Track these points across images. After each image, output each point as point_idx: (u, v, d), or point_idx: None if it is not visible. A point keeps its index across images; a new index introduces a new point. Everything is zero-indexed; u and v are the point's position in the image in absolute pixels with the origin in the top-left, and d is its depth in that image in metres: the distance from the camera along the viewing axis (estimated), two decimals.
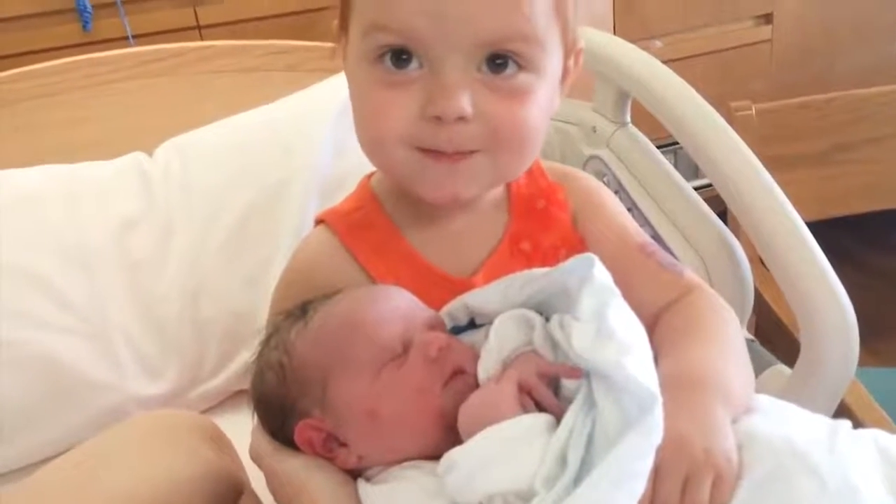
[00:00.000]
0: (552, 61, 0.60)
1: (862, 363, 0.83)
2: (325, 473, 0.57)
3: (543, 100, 0.60)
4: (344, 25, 0.62)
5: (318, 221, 0.70)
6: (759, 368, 0.79)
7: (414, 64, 0.57)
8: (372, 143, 0.61)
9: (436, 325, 0.60)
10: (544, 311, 0.58)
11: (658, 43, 1.81)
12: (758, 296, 0.96)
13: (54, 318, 0.94)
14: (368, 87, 0.59)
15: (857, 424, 0.55)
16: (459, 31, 0.55)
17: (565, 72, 0.63)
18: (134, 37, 1.53)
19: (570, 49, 0.62)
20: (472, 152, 0.59)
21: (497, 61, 0.57)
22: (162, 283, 0.99)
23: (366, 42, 0.58)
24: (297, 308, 0.63)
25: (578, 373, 0.51)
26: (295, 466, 0.58)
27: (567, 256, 0.61)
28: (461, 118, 0.57)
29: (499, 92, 0.58)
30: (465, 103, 0.56)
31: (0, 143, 1.12)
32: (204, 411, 0.98)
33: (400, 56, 0.57)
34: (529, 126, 0.59)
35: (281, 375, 0.60)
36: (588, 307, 0.52)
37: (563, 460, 0.47)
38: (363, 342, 0.57)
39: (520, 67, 0.58)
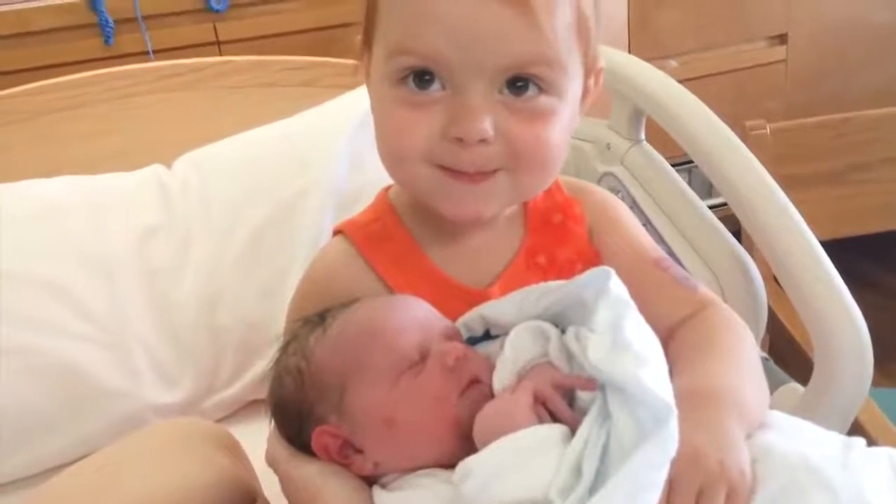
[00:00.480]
0: (573, 83, 0.61)
1: (875, 384, 0.83)
2: (340, 480, 0.58)
3: (565, 120, 0.61)
4: (367, 42, 0.63)
5: (336, 232, 0.71)
6: (772, 386, 0.79)
7: (436, 85, 0.58)
8: (393, 160, 0.62)
9: (452, 336, 0.61)
10: (560, 323, 0.58)
11: (673, 62, 1.82)
12: (771, 314, 0.96)
13: (74, 327, 0.95)
14: (391, 105, 0.60)
15: (872, 443, 0.55)
16: (483, 56, 0.56)
17: (585, 91, 0.64)
18: (154, 52, 1.55)
19: (590, 69, 0.63)
20: (493, 171, 0.60)
21: (518, 84, 0.58)
22: (179, 292, 1.00)
23: (390, 63, 0.59)
24: (315, 315, 0.63)
25: (593, 384, 0.51)
26: (310, 472, 0.59)
27: (583, 270, 0.61)
28: (483, 140, 0.57)
29: (520, 114, 0.58)
30: (486, 125, 0.57)
31: (23, 154, 1.14)
32: (219, 420, 0.99)
33: (422, 77, 0.58)
34: (551, 146, 0.60)
35: (299, 381, 0.60)
36: (604, 319, 0.52)
37: (578, 471, 0.47)
38: (381, 350, 0.58)
39: (541, 90, 0.58)
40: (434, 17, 0.55)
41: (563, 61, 0.58)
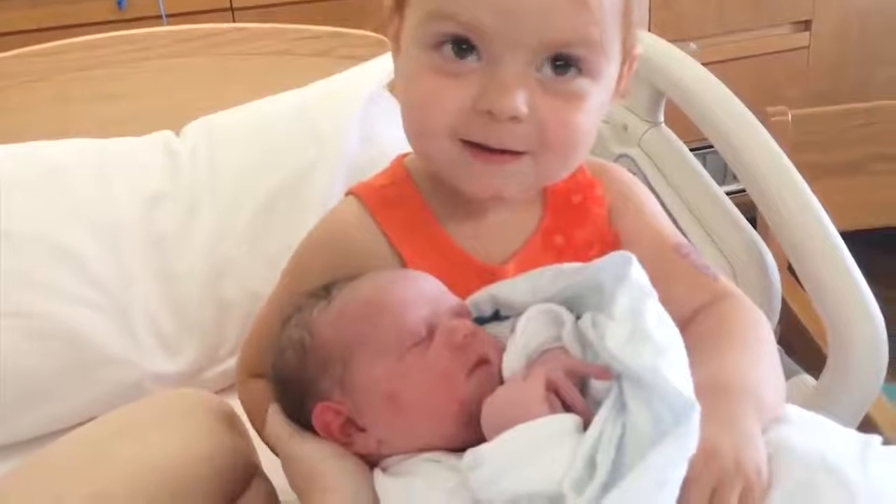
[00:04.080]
0: (611, 68, 0.59)
1: (886, 381, 0.81)
2: (340, 460, 0.56)
3: (597, 105, 0.59)
4: (399, 6, 0.60)
5: (348, 194, 0.69)
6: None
7: (473, 55, 0.56)
8: (418, 132, 0.60)
9: (462, 313, 0.59)
10: (574, 308, 0.56)
11: (693, 45, 1.79)
12: (783, 304, 0.95)
13: (77, 292, 0.94)
14: (422, 72, 0.58)
15: (884, 440, 0.54)
16: (526, 31, 0.54)
17: (619, 77, 0.62)
18: (167, 16, 1.54)
19: (627, 54, 0.61)
20: (517, 155, 0.58)
21: (558, 62, 0.56)
22: (185, 261, 0.99)
23: (426, 27, 0.57)
24: (320, 288, 0.62)
25: (609, 373, 0.50)
26: (311, 451, 0.58)
27: (600, 253, 0.59)
28: (514, 117, 0.56)
29: (554, 94, 0.57)
30: (520, 102, 0.55)
31: (33, 115, 1.13)
32: (219, 391, 0.98)
33: (460, 45, 0.56)
34: (580, 130, 0.59)
35: (301, 354, 0.59)
36: (623, 307, 0.51)
37: (591, 464, 0.46)
38: (388, 324, 0.56)
39: (580, 72, 0.57)
40: None
41: (605, 45, 0.56)
